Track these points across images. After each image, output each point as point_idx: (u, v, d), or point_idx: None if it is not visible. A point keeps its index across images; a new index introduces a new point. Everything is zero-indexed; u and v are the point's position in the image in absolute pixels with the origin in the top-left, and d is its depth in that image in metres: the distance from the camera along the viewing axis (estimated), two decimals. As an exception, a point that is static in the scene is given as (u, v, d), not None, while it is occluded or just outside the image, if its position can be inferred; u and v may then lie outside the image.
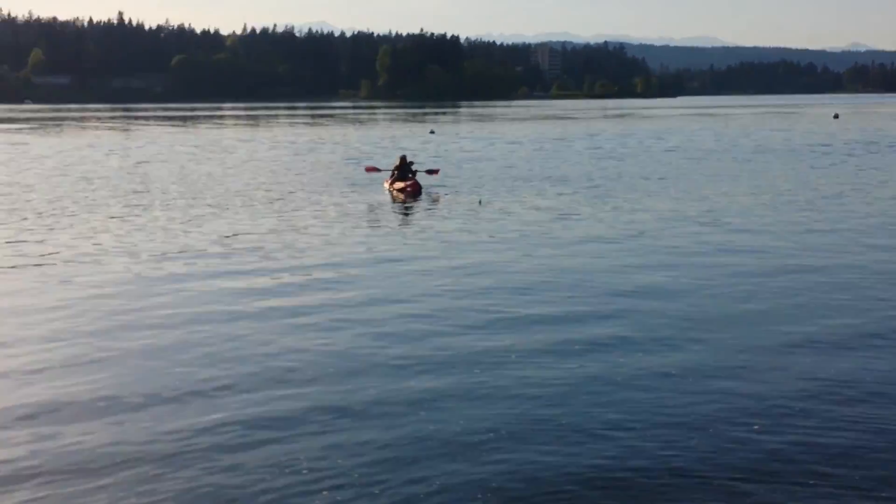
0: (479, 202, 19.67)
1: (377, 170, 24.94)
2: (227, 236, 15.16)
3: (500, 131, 55.60)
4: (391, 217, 18.26)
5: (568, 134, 51.20)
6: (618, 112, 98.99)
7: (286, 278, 11.66)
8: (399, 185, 22.61)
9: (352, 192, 22.66)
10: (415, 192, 22.00)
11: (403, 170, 23.56)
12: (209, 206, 19.14)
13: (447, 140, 46.47)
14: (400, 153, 29.06)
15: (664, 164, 30.42)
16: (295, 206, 19.36)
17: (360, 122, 74.23)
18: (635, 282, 11.19)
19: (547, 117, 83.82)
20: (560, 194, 21.80)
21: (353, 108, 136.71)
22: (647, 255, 13.12)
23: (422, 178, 23.29)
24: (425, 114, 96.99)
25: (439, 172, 24.29)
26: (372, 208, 19.38)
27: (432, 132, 54.12)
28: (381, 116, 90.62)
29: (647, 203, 19.47)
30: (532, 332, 8.74)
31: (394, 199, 21.32)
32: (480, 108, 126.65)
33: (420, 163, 27.47)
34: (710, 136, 46.41)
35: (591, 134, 50.46)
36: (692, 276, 11.45)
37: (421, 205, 19.62)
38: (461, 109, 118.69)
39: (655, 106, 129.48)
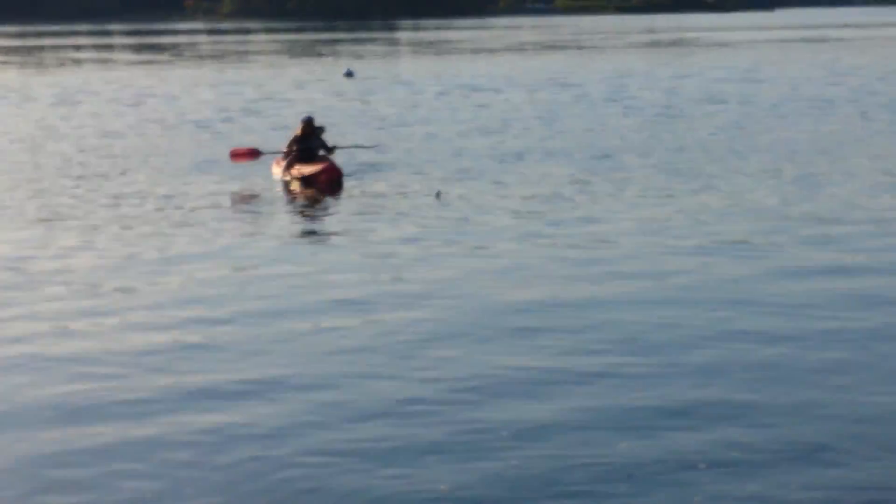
0: (437, 196, 16.64)
1: (253, 154, 19.95)
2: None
3: (465, 71, 47.82)
4: (289, 222, 15.46)
5: (581, 74, 43.54)
6: (669, 37, 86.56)
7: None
8: (306, 169, 18.54)
9: (212, 180, 18.90)
10: (331, 180, 18.18)
11: (307, 143, 19.08)
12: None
13: (374, 87, 39.56)
14: (300, 115, 22.88)
15: (756, 125, 25.45)
16: (113, 211, 16.05)
17: (221, 57, 64.47)
18: (714, 331, 9.63)
19: (546, 46, 72.80)
20: (566, 179, 17.96)
21: (209, 32, 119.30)
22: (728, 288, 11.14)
23: (341, 158, 19.87)
24: (335, 41, 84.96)
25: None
26: (252, 209, 16.34)
27: (349, 74, 46.04)
28: (258, 47, 79.71)
29: (727, 194, 16.43)
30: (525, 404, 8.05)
31: (292, 193, 17.87)
32: (432, 30, 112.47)
33: (331, 128, 22.65)
34: (824, 77, 39.83)
35: (621, 74, 43.24)
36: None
37: (341, 204, 16.68)
38: (398, 33, 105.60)
39: (733, 26, 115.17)
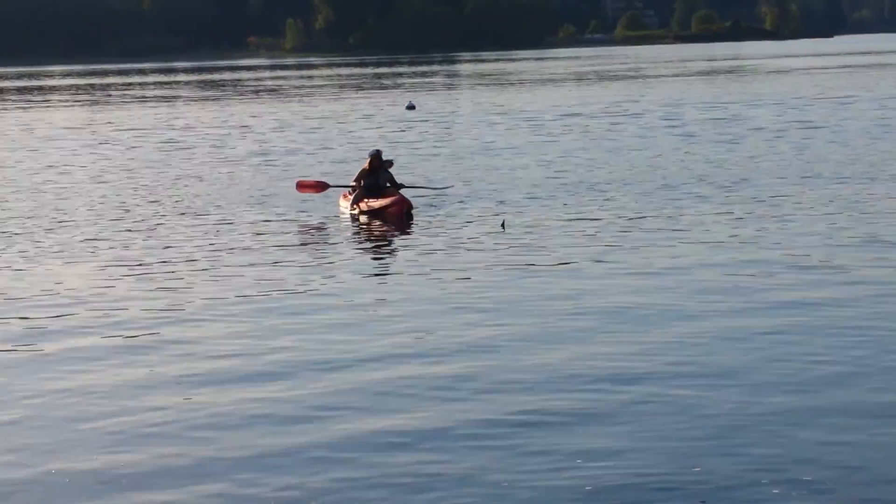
0: (502, 226, 16.81)
1: (319, 187, 20.29)
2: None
3: (526, 101, 47.81)
4: (357, 256, 15.55)
5: (643, 104, 43.44)
6: (729, 65, 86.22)
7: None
8: (374, 202, 18.68)
9: (278, 213, 19.19)
10: (401, 213, 18.38)
11: (375, 177, 19.29)
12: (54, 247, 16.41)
13: (437, 120, 39.85)
14: (368, 148, 23.37)
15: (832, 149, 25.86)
16: (177, 241, 16.44)
17: (284, 92, 65.14)
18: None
19: (606, 76, 73.21)
20: (630, 211, 17.96)
21: (272, 67, 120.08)
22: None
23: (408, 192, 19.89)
24: (396, 75, 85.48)
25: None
26: (320, 242, 16.64)
27: (411, 107, 46.04)
28: (320, 81, 79.58)
29: (795, 221, 16.47)
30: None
31: (360, 227, 17.99)
32: (492, 62, 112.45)
33: (396, 162, 21.90)
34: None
35: (676, 103, 43.25)
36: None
37: (409, 236, 16.83)
38: (458, 66, 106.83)
39: (795, 52, 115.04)
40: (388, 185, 19.37)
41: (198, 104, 54.81)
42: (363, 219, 18.66)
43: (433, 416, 8.67)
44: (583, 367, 9.79)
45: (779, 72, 68.57)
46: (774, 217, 17.09)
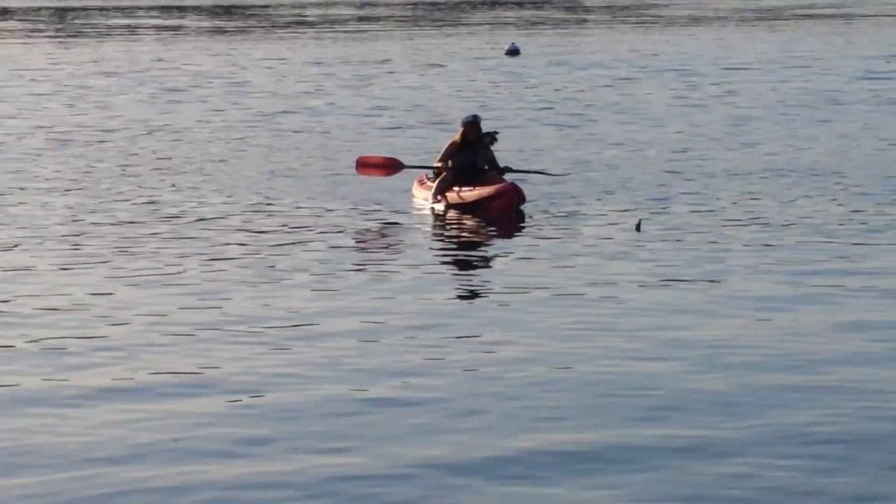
0: (637, 227, 17.33)
1: (390, 168, 20.20)
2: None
3: (676, 48, 47.42)
4: (439, 271, 16.00)
5: (847, 57, 42.72)
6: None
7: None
8: (469, 192, 18.60)
9: (323, 208, 19.18)
10: (508, 208, 18.33)
11: (470, 156, 19.12)
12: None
13: (551, 72, 39.41)
14: (463, 114, 21.47)
15: None
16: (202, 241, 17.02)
17: (331, 26, 64.79)
18: None
19: (800, 14, 71.22)
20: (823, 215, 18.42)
21: None
22: None
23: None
24: (493, 3, 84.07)
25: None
26: (392, 248, 17.10)
27: (513, 51, 45.86)
28: (385, 14, 78.72)
29: None
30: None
31: (447, 226, 18.31)
32: None
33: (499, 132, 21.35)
34: None
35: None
36: None
37: (515, 238, 17.54)
38: None
39: None
40: (487, 167, 19.29)
41: (210, 39, 55.11)
42: (452, 214, 18.69)
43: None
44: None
45: None
46: None
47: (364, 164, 20.21)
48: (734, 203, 19.17)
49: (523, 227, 18.02)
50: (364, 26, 64.84)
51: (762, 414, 10.17)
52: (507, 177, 19.52)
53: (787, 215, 18.41)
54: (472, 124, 19.24)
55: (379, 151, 22.26)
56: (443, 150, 19.64)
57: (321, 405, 10.56)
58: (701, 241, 16.72)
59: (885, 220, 17.91)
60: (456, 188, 18.96)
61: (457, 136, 19.45)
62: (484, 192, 18.57)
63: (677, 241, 16.72)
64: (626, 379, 11.23)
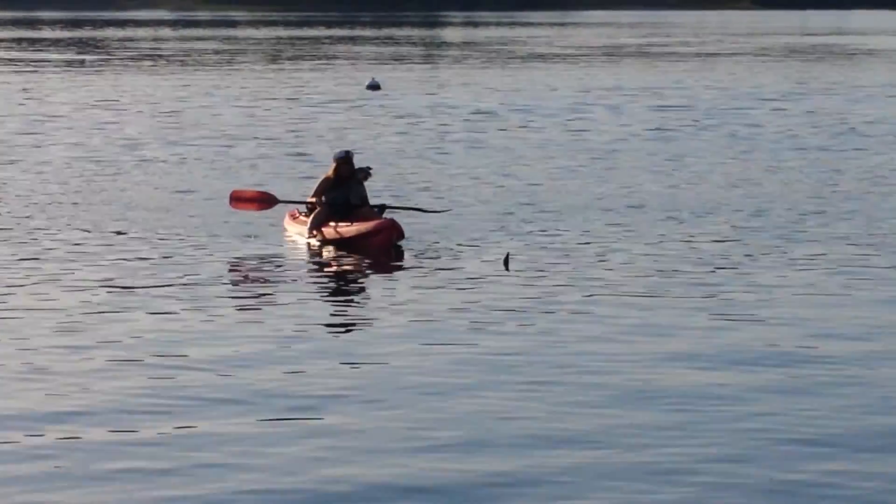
0: (505, 262, 17.74)
1: (264, 202, 20.34)
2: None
3: (539, 84, 49.00)
4: (322, 307, 16.14)
5: (696, 89, 44.81)
6: (829, 43, 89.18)
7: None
8: (347, 228, 18.88)
9: (190, 245, 19.18)
10: (388, 243, 18.65)
11: (343, 192, 19.45)
12: None
13: (410, 105, 40.51)
14: (336, 149, 22.25)
15: None
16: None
17: (196, 60, 66.53)
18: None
19: (650, 51, 76.16)
20: (699, 240, 19.41)
21: (175, 23, 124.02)
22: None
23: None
24: (353, 40, 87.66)
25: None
26: (260, 287, 17.11)
27: (374, 85, 47.33)
28: (247, 46, 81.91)
29: None
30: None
31: (322, 260, 18.72)
32: (492, 26, 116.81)
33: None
34: None
35: (748, 93, 44.48)
36: None
37: (388, 274, 17.96)
38: (443, 30, 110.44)
39: None
40: (360, 203, 19.33)
41: (68, 73, 55.14)
42: (330, 249, 18.77)
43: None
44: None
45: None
46: None
47: (238, 199, 20.29)
48: (599, 236, 19.41)
49: (401, 263, 18.04)
50: (225, 59, 65.14)
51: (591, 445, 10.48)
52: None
53: (649, 246, 18.69)
54: (344, 160, 19.43)
55: (237, 184, 22.48)
56: (316, 186, 19.77)
57: (187, 438, 10.56)
58: (567, 274, 16.90)
59: (745, 251, 18.23)
60: (332, 223, 19.04)
61: (330, 172, 19.59)
62: (363, 228, 18.70)
63: (543, 274, 16.90)
64: (503, 405, 11.43)
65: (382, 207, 19.73)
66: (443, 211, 21.42)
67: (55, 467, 9.91)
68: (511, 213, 21.68)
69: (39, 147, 30.07)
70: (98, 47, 76.38)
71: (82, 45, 78.27)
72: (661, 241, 19.27)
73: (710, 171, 26.55)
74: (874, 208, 21.95)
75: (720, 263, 17.88)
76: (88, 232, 19.81)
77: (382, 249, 18.47)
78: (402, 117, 36.42)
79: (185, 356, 13.23)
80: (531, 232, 20.05)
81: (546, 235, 19.76)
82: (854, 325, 14.57)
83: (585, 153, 29.30)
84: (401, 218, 19.75)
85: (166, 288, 16.19)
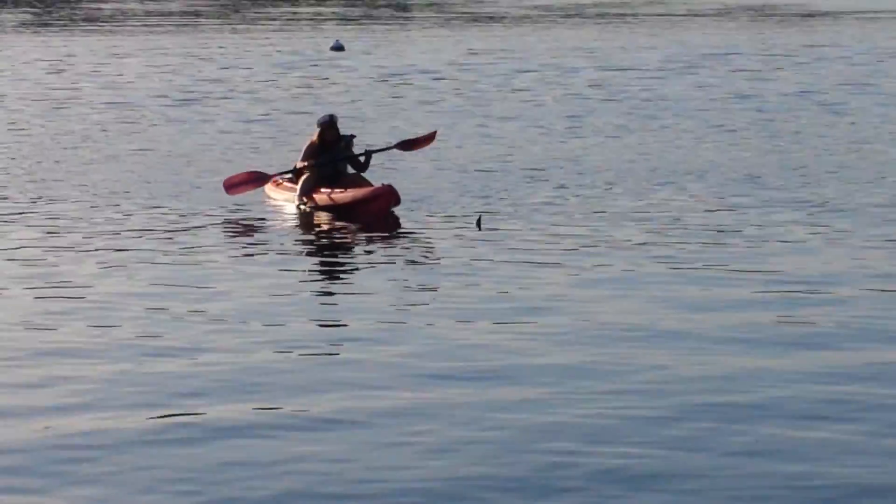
0: (477, 223, 18.06)
1: (256, 180, 19.98)
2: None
3: (508, 45, 48.38)
4: (309, 270, 16.78)
5: (658, 52, 44.31)
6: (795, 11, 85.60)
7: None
8: (342, 194, 18.66)
9: (204, 210, 19.42)
10: (386, 208, 18.45)
11: (330, 157, 19.19)
12: None
13: (378, 64, 40.76)
14: (321, 112, 21.80)
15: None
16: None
17: (136, 19, 65.04)
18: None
19: (613, 13, 72.48)
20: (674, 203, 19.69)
21: None
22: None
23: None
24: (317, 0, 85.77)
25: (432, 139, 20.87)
26: (258, 249, 17.33)
27: (338, 47, 46.37)
28: (198, 3, 78.77)
29: None
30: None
31: (314, 225, 18.82)
32: None
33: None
34: None
35: (719, 52, 43.87)
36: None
37: (367, 237, 18.20)
38: None
39: None
40: (347, 161, 19.20)
41: (27, 34, 55.14)
42: (323, 216, 18.77)
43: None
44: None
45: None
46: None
47: (232, 185, 19.96)
48: (576, 197, 19.62)
49: (398, 229, 18.06)
50: (186, 20, 64.29)
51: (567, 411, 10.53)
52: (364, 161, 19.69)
53: (624, 210, 18.79)
54: (328, 124, 19.23)
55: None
56: (302, 151, 19.54)
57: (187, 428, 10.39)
58: (543, 237, 16.99)
59: (734, 217, 18.31)
60: (324, 189, 18.96)
61: (314, 137, 19.38)
62: (359, 194, 18.54)
63: (515, 237, 17.12)
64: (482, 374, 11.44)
65: (367, 154, 19.48)
66: (430, 134, 20.90)
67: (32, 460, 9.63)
68: (487, 173, 21.68)
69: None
70: (59, 4, 75.85)
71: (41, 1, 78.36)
72: (636, 201, 19.27)
73: (683, 133, 26.41)
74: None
75: (705, 224, 17.77)
76: (51, 203, 19.70)
77: (380, 216, 18.38)
78: (367, 78, 36.29)
79: (165, 337, 12.89)
80: (503, 193, 20.00)
81: (517, 197, 19.66)
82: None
83: (559, 115, 29.12)
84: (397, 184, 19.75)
85: (146, 263, 15.90)
